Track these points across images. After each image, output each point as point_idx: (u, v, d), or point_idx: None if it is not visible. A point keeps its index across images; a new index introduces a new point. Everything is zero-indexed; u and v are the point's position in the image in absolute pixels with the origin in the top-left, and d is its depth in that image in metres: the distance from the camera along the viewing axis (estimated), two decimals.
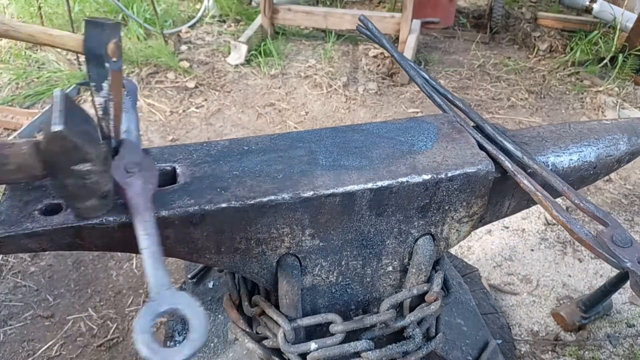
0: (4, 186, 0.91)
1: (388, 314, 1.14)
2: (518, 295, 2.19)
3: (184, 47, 4.02)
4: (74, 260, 2.32)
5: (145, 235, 0.77)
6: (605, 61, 3.87)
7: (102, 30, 0.85)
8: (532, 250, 2.41)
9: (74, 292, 2.19)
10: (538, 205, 1.01)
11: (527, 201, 1.16)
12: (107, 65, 0.85)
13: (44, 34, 0.90)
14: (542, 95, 3.65)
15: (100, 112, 0.88)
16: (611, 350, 1.98)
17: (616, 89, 3.66)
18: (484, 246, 2.41)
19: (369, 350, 1.15)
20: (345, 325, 1.11)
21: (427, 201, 1.01)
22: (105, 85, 0.87)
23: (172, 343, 1.55)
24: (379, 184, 0.95)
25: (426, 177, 0.97)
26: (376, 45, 4.00)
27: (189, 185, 0.92)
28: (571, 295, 2.19)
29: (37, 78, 3.50)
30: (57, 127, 0.70)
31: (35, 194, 0.89)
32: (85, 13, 4.26)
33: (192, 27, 4.33)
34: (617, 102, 3.52)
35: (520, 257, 2.37)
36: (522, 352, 1.95)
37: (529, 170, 1.03)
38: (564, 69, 3.94)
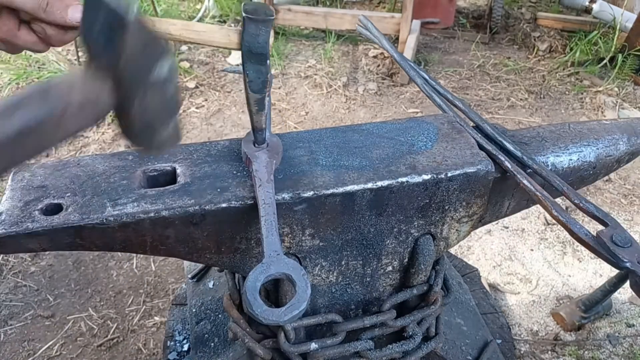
0: (4, 186, 0.88)
1: (389, 313, 1.14)
2: (518, 295, 2.19)
3: (184, 48, 4.02)
4: (74, 260, 2.32)
5: (264, 205, 0.84)
6: (604, 61, 3.87)
7: (259, 24, 0.77)
8: (532, 250, 2.41)
9: (74, 292, 2.19)
10: (538, 205, 1.01)
11: (527, 201, 1.16)
12: (268, 62, 0.80)
13: (186, 30, 0.80)
14: (541, 96, 3.66)
15: (255, 108, 0.87)
16: (611, 350, 1.98)
17: (616, 89, 3.66)
18: (483, 246, 2.41)
19: (369, 350, 1.15)
20: (347, 324, 1.12)
21: (427, 201, 1.01)
22: (262, 82, 0.83)
23: (172, 342, 1.55)
24: (379, 184, 0.95)
25: (426, 177, 0.97)
26: (376, 46, 4.01)
27: (189, 185, 0.92)
28: (571, 295, 2.19)
29: (38, 78, 3.50)
30: (132, 12, 0.51)
31: (35, 193, 0.89)
32: None
33: None
34: (617, 102, 3.52)
35: (520, 257, 2.37)
36: (521, 352, 1.96)
37: (528, 170, 1.04)
38: (563, 69, 3.94)
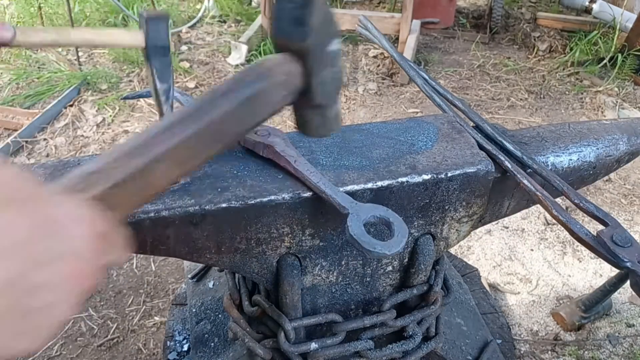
0: None
1: (389, 313, 1.14)
2: (518, 295, 2.19)
3: (184, 48, 4.02)
4: None
5: (312, 173, 0.91)
6: (604, 61, 3.87)
7: (159, 23, 0.91)
8: (532, 250, 2.41)
9: None
10: (538, 205, 1.01)
11: (527, 201, 1.16)
12: (170, 54, 0.94)
13: (101, 36, 0.93)
14: (541, 96, 3.66)
15: (163, 98, 0.98)
16: (611, 350, 1.98)
17: (616, 89, 3.66)
18: (483, 246, 2.41)
19: (369, 350, 1.15)
20: (347, 324, 1.12)
21: (427, 201, 1.01)
22: (168, 72, 0.95)
23: (172, 342, 1.55)
24: (379, 183, 0.95)
25: (426, 177, 0.97)
26: (376, 46, 4.01)
27: (189, 185, 0.92)
28: (571, 295, 2.19)
29: (38, 78, 3.50)
30: None
31: None
32: (86, 13, 4.27)
33: (192, 27, 4.33)
34: (617, 102, 3.52)
35: (520, 257, 2.37)
36: (521, 352, 1.96)
37: (528, 170, 1.04)
38: (563, 69, 3.94)
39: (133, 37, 0.94)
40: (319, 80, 0.63)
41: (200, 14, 4.39)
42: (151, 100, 3.40)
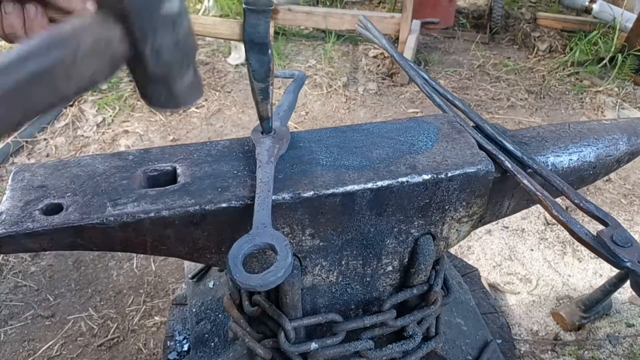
0: (4, 186, 0.88)
1: (389, 313, 1.14)
2: (518, 295, 2.19)
3: None
4: (75, 260, 2.32)
5: (261, 183, 0.88)
6: (604, 61, 3.87)
7: (258, 15, 0.82)
8: (531, 250, 2.41)
9: (74, 291, 2.19)
10: (538, 205, 1.01)
11: (527, 201, 1.16)
12: (269, 52, 0.85)
13: (196, 24, 0.82)
14: (541, 96, 3.66)
15: (260, 97, 0.91)
16: (611, 350, 1.98)
17: (615, 89, 3.66)
18: (483, 246, 2.41)
19: (369, 350, 1.15)
20: (347, 324, 1.12)
21: (427, 201, 1.01)
22: (265, 71, 0.87)
23: (172, 342, 1.55)
24: (379, 183, 0.95)
25: (426, 177, 0.97)
26: (376, 46, 4.01)
27: (189, 185, 0.92)
28: (571, 295, 2.19)
29: None
30: None
31: (35, 193, 0.89)
32: None
33: None
34: (617, 102, 3.52)
35: (520, 257, 2.37)
36: (521, 352, 1.96)
37: (528, 170, 1.04)
38: (563, 69, 3.94)
39: (230, 29, 0.85)
40: (152, 48, 0.52)
41: (200, 14, 4.39)
42: None
